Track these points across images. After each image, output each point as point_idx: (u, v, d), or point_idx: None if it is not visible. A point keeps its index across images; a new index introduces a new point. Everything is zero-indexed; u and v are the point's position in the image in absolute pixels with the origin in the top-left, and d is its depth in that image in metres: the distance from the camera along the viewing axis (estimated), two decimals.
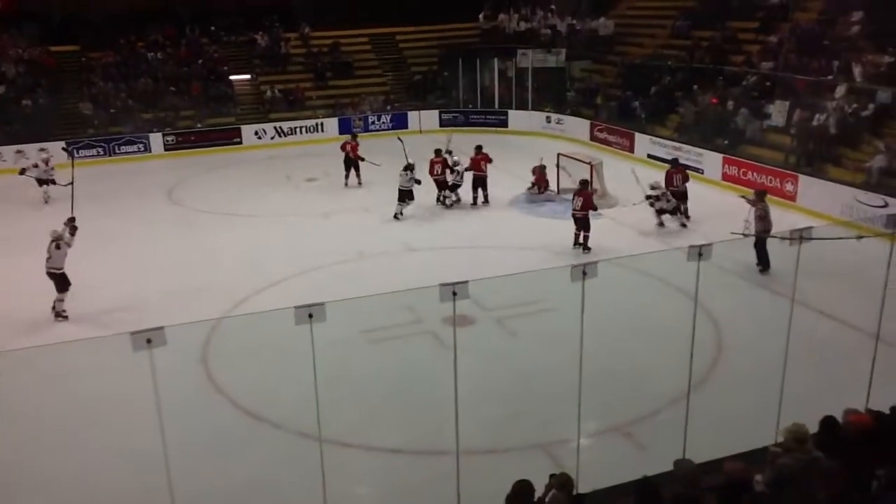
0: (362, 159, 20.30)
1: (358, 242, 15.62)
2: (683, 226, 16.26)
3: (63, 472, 8.56)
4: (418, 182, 17.49)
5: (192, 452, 8.42)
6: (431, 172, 18.29)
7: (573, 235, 15.14)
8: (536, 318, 11.72)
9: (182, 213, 18.88)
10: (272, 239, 16.38)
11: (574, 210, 15.04)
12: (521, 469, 6.65)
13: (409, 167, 17.43)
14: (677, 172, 16.82)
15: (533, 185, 19.07)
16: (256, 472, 8.44)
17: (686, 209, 16.48)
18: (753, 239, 13.76)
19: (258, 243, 16.09)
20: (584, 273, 6.10)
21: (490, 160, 18.49)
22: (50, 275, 12.34)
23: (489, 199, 18.54)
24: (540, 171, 19.03)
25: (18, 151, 22.36)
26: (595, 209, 15.15)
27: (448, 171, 18.29)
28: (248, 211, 18.30)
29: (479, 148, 18.62)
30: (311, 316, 5.65)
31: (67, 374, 10.23)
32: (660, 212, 16.18)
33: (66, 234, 12.68)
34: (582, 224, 14.99)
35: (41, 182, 19.49)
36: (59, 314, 12.30)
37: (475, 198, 18.51)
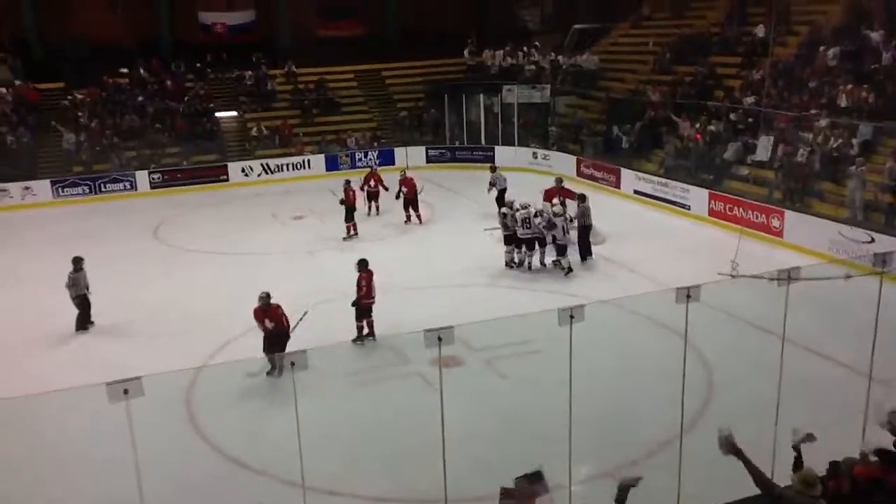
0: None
1: (344, 281, 15.45)
2: None
3: None
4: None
5: (174, 501, 8.21)
6: None
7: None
8: (526, 360, 11.55)
9: (168, 251, 18.69)
10: (258, 278, 16.16)
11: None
12: None
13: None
14: None
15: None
16: None
17: None
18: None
19: (244, 282, 15.82)
20: (572, 317, 6.00)
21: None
22: None
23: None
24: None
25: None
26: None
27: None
28: (234, 249, 18.13)
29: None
30: (293, 364, 5.51)
31: (43, 422, 9.98)
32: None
33: None
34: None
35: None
36: None
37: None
